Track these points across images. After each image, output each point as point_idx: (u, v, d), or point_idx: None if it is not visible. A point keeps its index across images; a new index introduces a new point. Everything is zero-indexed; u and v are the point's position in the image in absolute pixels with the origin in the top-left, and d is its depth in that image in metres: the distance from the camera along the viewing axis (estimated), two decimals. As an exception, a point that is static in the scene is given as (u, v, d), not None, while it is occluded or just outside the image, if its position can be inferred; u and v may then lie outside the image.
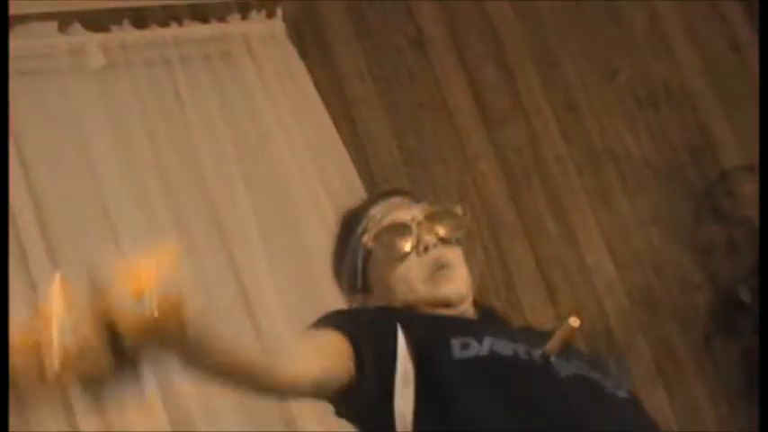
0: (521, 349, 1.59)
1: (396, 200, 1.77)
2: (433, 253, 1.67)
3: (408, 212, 1.71)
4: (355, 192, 2.94)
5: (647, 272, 3.31)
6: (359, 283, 1.74)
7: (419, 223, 1.69)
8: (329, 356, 1.49)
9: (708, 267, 3.33)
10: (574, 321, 1.60)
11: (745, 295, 3.14)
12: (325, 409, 2.63)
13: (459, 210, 1.74)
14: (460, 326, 1.63)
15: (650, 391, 3.15)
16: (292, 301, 2.77)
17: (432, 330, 1.60)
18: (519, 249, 3.17)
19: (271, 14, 3.04)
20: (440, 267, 1.67)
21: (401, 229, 1.68)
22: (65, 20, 2.78)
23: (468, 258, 1.75)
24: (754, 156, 3.38)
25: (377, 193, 1.83)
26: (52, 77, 2.74)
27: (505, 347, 1.58)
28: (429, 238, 1.68)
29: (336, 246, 1.80)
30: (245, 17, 3.01)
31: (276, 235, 2.84)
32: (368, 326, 1.58)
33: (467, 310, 1.71)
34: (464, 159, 3.21)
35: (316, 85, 3.02)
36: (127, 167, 2.72)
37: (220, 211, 2.80)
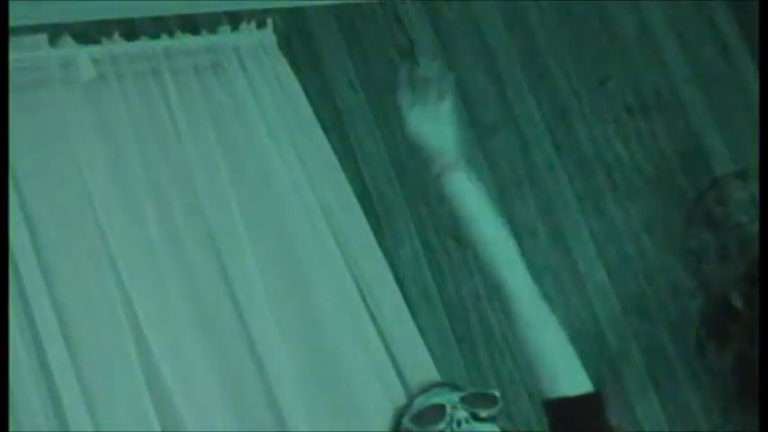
0: None
1: (438, 389, 1.92)
2: (466, 428, 1.78)
3: (446, 397, 1.85)
4: (346, 202, 2.95)
5: (638, 279, 3.32)
6: None
7: (454, 405, 1.81)
8: None
9: (699, 274, 3.33)
10: None
11: (737, 301, 3.14)
12: (315, 406, 2.66)
13: (495, 392, 1.85)
14: None
15: (643, 399, 3.16)
16: (285, 306, 2.78)
17: None
18: (511, 257, 3.17)
19: (261, 26, 3.05)
20: None
21: (437, 409, 1.81)
22: (55, 32, 2.77)
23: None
24: (744, 162, 3.39)
25: (424, 386, 1.97)
26: (43, 90, 2.73)
27: None
28: (462, 416, 1.79)
29: None
30: (235, 29, 3.01)
31: (267, 241, 2.84)
32: None
33: None
34: (455, 168, 3.21)
35: (307, 95, 3.02)
36: (118, 180, 2.72)
37: (212, 220, 2.79)
